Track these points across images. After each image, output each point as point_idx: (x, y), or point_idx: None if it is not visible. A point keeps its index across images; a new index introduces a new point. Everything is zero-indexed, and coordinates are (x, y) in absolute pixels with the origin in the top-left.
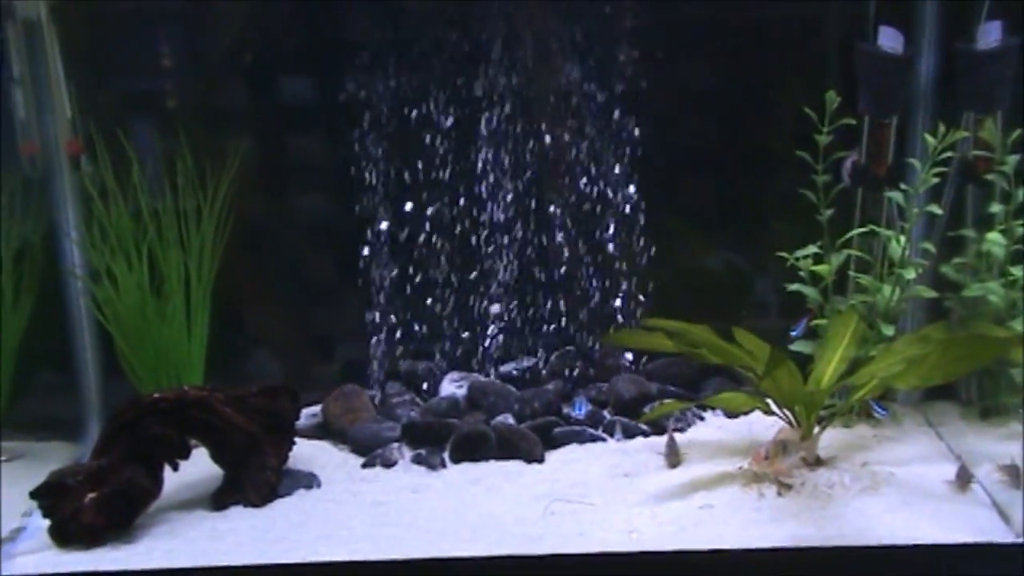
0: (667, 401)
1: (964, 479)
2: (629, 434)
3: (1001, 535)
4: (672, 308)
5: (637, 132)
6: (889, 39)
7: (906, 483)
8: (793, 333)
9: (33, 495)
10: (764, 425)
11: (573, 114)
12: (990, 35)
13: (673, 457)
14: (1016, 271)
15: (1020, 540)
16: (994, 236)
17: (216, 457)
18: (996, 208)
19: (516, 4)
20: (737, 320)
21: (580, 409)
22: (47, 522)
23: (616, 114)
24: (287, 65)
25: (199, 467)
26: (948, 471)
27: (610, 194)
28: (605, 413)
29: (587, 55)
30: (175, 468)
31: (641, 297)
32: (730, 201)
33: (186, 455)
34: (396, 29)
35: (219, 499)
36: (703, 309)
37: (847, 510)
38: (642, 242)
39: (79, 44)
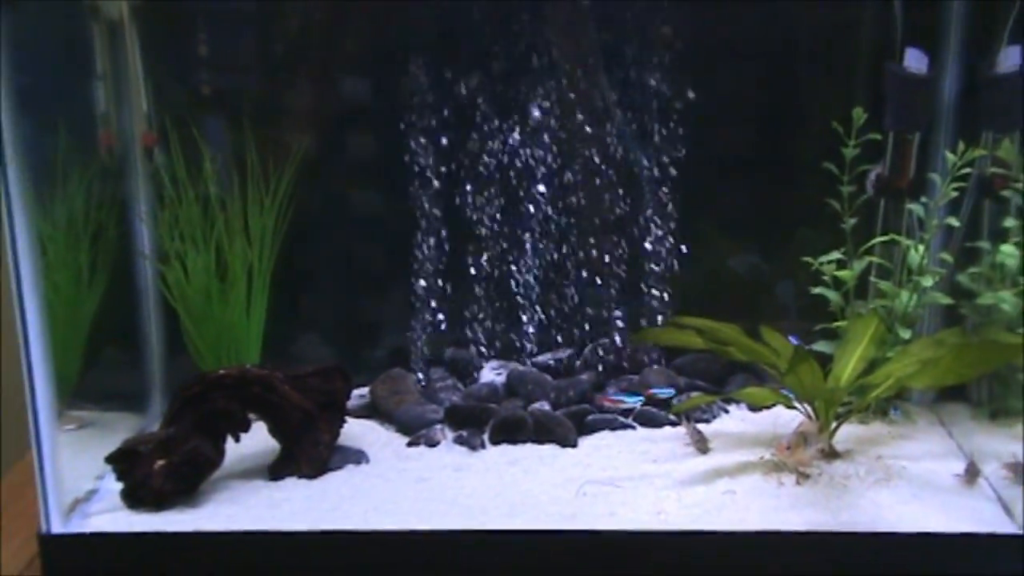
0: (695, 394)
1: (972, 475)
2: (656, 424)
3: (1003, 527)
4: (702, 307)
5: (679, 138)
6: (915, 60)
7: (917, 477)
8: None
9: (108, 459)
10: (785, 419)
11: (613, 117)
12: (1010, 59)
13: (701, 444)
14: None
15: (1021, 532)
16: (1008, 248)
17: (273, 431)
18: (1011, 222)
19: (557, 8)
20: (764, 319)
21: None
22: (119, 485)
23: (654, 121)
24: (349, 65)
25: (257, 440)
26: (957, 467)
27: (648, 195)
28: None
29: (623, 61)
30: (237, 440)
31: (669, 296)
32: (761, 207)
33: (247, 428)
34: (457, 28)
35: (275, 470)
36: (732, 309)
37: (861, 500)
38: (676, 243)
39: (157, 43)
